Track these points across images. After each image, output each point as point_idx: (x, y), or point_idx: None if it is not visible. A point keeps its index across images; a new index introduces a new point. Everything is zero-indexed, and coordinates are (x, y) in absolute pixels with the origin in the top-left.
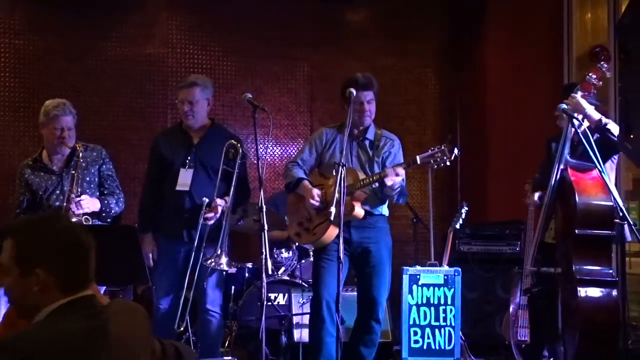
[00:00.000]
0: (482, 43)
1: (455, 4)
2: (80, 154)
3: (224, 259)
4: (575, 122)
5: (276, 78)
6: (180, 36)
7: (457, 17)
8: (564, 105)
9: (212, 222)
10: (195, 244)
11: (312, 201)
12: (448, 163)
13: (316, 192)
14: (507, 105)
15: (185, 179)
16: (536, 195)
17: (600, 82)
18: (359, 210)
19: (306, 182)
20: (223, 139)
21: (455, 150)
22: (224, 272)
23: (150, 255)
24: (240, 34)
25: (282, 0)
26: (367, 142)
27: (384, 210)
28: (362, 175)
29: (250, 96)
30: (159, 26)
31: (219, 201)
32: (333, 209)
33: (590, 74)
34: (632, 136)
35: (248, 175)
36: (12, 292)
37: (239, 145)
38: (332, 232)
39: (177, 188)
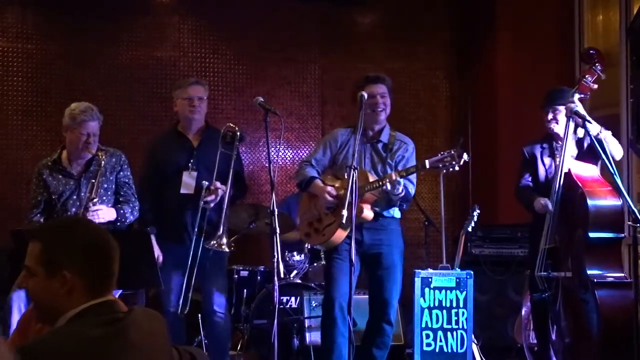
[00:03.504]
0: (493, 45)
1: (465, 6)
2: (102, 163)
3: (224, 240)
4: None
5: (287, 81)
6: (191, 40)
7: (466, 19)
8: (578, 108)
9: (212, 205)
10: (196, 229)
11: (327, 197)
12: (457, 168)
13: (330, 188)
14: (518, 107)
15: (189, 182)
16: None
17: (596, 85)
18: (367, 213)
19: (318, 181)
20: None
21: (465, 155)
22: (226, 273)
23: (156, 257)
24: (251, 37)
25: (292, 4)
26: (380, 145)
27: (396, 212)
28: (372, 178)
29: (262, 99)
30: (170, 30)
31: (218, 184)
32: (345, 212)
33: (586, 77)
34: None
35: (244, 171)
36: (37, 295)
37: (236, 128)
38: (341, 233)
39: (182, 191)
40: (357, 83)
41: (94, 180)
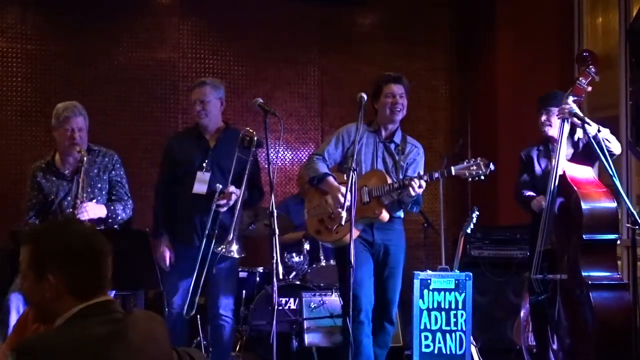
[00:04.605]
0: (493, 45)
1: (465, 6)
2: (84, 159)
3: (234, 247)
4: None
5: (286, 83)
6: (191, 41)
7: (466, 19)
8: (575, 109)
9: (224, 209)
10: (207, 231)
11: (341, 199)
12: (483, 177)
13: (344, 189)
14: (518, 107)
15: (202, 182)
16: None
17: (590, 87)
18: (385, 214)
19: (332, 179)
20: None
21: (491, 165)
22: (237, 277)
23: (167, 258)
24: (250, 38)
25: (292, 4)
26: (393, 146)
27: (401, 213)
28: (389, 180)
29: (261, 101)
30: (169, 31)
31: (232, 188)
32: (344, 214)
33: (580, 79)
34: None
35: (261, 176)
36: (30, 297)
37: (254, 133)
38: (354, 233)
39: (194, 191)
40: (377, 81)
41: (80, 179)
